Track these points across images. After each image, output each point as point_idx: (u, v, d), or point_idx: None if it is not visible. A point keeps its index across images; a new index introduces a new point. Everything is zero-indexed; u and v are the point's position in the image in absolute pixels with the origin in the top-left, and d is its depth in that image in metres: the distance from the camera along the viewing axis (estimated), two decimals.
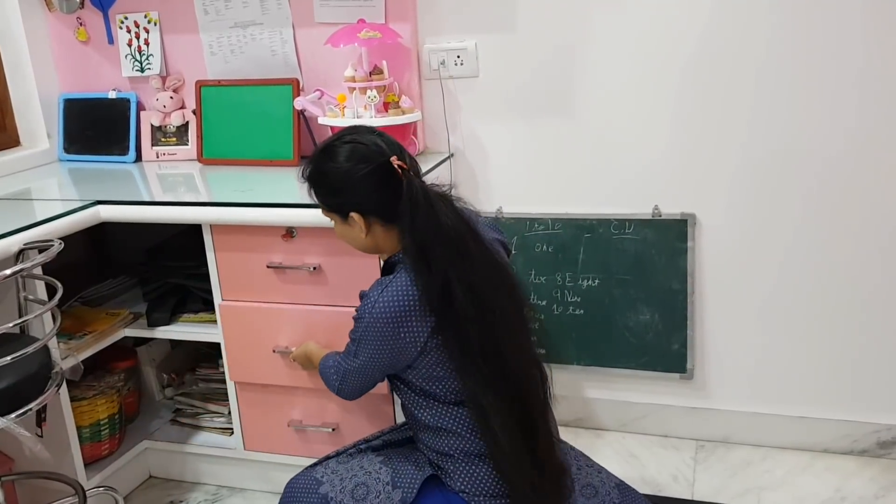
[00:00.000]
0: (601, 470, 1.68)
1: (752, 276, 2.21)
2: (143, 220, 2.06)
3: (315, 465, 1.72)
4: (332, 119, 2.23)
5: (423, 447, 1.62)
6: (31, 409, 1.67)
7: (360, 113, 2.19)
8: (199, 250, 2.08)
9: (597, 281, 2.31)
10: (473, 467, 1.53)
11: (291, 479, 1.69)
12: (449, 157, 2.36)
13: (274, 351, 2.06)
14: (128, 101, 2.58)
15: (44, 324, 1.94)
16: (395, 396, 1.79)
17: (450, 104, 2.33)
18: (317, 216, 1.85)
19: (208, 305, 2.22)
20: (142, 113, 2.58)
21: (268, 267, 2.01)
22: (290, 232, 1.97)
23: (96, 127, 2.62)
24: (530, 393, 1.50)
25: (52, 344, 1.84)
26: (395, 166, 1.49)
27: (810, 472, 2.19)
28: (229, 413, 2.28)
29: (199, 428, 2.38)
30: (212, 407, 2.38)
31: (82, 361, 2.05)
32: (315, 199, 1.60)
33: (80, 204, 2.05)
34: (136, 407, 2.47)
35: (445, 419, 1.55)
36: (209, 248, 2.06)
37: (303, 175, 1.59)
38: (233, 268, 2.05)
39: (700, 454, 2.30)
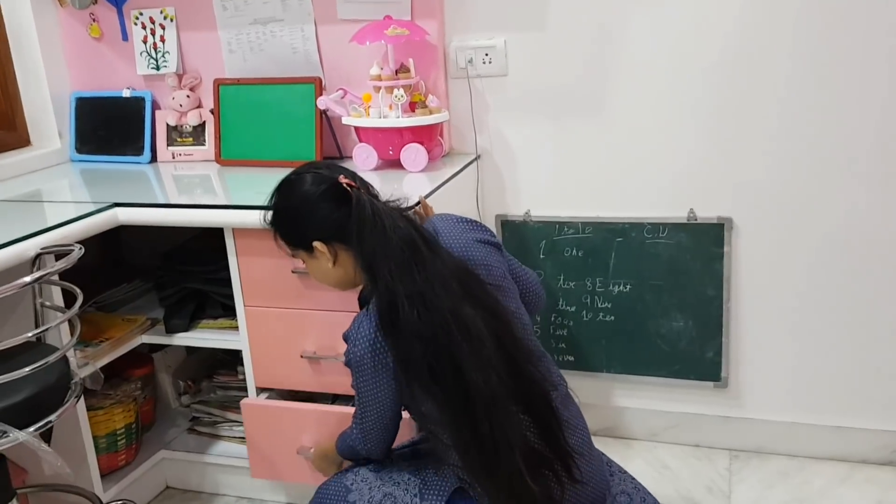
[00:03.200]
0: (635, 480, 1.62)
1: (789, 282, 2.14)
2: (164, 223, 1.99)
3: (347, 471, 1.66)
4: (357, 119, 2.16)
5: (448, 460, 1.54)
6: (50, 422, 1.59)
7: (386, 113, 2.12)
8: (218, 254, 2.01)
9: (628, 286, 2.25)
10: None
11: (322, 485, 1.64)
12: (476, 159, 2.29)
13: (302, 356, 1.99)
14: (142, 99, 2.51)
15: (60, 332, 1.87)
16: None
17: (477, 104, 2.26)
18: None
19: (228, 311, 2.15)
20: (157, 112, 2.51)
21: (292, 272, 1.94)
22: None
23: (110, 126, 2.55)
24: (500, 411, 1.35)
25: (70, 352, 1.77)
26: (344, 185, 1.48)
27: (849, 483, 2.13)
28: None
29: (217, 437, 2.32)
30: (230, 416, 2.32)
31: (99, 370, 2.00)
32: (281, 242, 1.59)
33: (96, 206, 1.98)
34: (152, 415, 2.40)
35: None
36: (231, 252, 1.99)
37: (265, 221, 1.60)
38: (256, 273, 1.98)
39: (734, 465, 2.23)
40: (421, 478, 1.54)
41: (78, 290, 1.72)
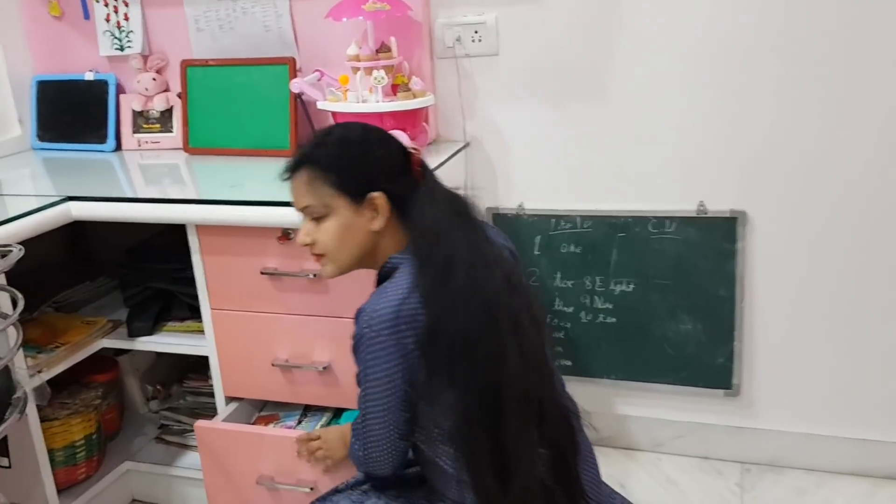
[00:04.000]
0: None
1: (808, 283, 1.96)
2: (120, 218, 1.81)
3: (321, 500, 1.50)
4: (334, 103, 1.97)
5: (445, 493, 1.37)
6: None
7: (365, 96, 1.93)
8: (186, 250, 1.83)
9: (631, 286, 2.07)
10: None
11: None
12: (464, 147, 2.10)
13: (273, 364, 1.82)
14: (106, 83, 2.32)
15: (8, 338, 1.70)
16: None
17: (466, 86, 2.07)
18: None
19: (195, 313, 1.97)
20: (121, 96, 2.33)
21: (262, 273, 1.76)
22: (286, 234, 1.72)
23: (72, 112, 2.36)
24: (528, 419, 1.26)
25: (20, 361, 1.60)
26: (412, 150, 1.37)
27: (874, 501, 1.95)
28: None
29: (186, 447, 2.15)
30: None
31: (55, 376, 1.85)
32: (316, 181, 1.34)
33: (48, 200, 1.80)
34: (117, 423, 2.23)
35: None
36: (195, 250, 1.81)
37: (304, 153, 1.38)
38: (222, 273, 1.81)
39: (746, 479, 2.06)
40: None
41: (19, 295, 1.54)
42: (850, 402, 2.02)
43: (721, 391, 2.07)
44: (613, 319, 2.11)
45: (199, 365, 2.19)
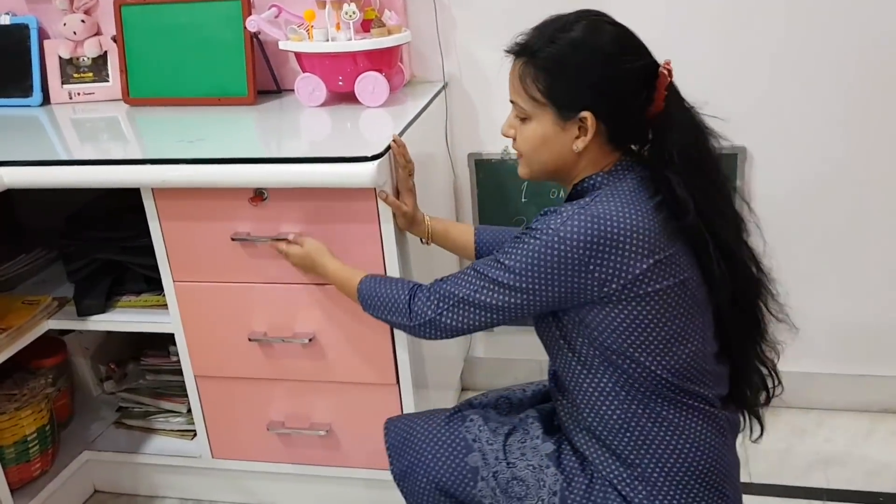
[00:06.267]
0: None
1: (811, 218, 1.88)
2: (64, 185, 1.57)
3: (456, 412, 1.37)
4: (297, 43, 1.76)
5: (599, 463, 1.22)
6: None
7: (334, 34, 1.73)
8: (136, 215, 1.63)
9: None
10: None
11: (425, 421, 1.36)
12: (443, 88, 1.92)
13: (250, 339, 1.64)
14: (26, 27, 2.03)
15: None
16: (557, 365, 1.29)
17: (443, 21, 1.88)
18: (295, 174, 1.43)
19: (153, 284, 1.78)
20: (46, 42, 2.04)
21: (233, 239, 1.57)
22: (259, 194, 1.53)
23: None
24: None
25: None
26: (666, 72, 1.16)
27: (875, 437, 1.92)
28: (189, 411, 1.88)
29: (150, 431, 1.96)
30: (165, 404, 1.97)
31: None
32: (527, 78, 1.17)
33: None
34: (69, 408, 2.02)
35: (650, 417, 1.17)
36: (152, 216, 1.60)
37: (528, 41, 1.19)
38: (185, 241, 1.61)
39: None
40: (564, 474, 1.22)
41: None
42: (846, 339, 1.97)
43: None
44: None
45: (156, 340, 1.99)
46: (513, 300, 1.18)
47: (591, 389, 1.19)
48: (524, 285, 1.16)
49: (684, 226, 1.13)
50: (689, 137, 1.16)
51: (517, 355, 2.17)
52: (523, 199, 1.98)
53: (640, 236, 1.11)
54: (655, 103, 1.16)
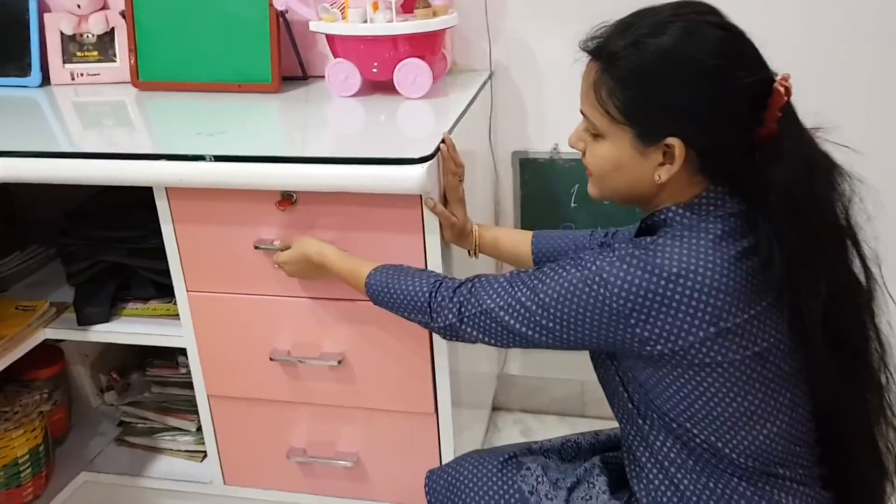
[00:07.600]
0: None
1: None
2: (66, 180, 1.40)
3: (512, 457, 1.19)
4: (331, 24, 1.56)
5: None
6: None
7: (372, 15, 1.53)
8: (145, 212, 1.45)
9: None
10: None
11: (475, 472, 1.17)
12: (489, 78, 1.73)
13: (272, 359, 1.46)
14: None
15: None
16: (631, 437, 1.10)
17: (492, 3, 1.69)
18: (331, 176, 1.24)
19: (162, 290, 1.59)
20: (46, 16, 1.85)
21: (256, 248, 1.38)
22: (288, 197, 1.34)
23: None
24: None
25: None
26: (783, 89, 0.92)
27: None
28: (199, 430, 1.71)
29: (156, 450, 1.79)
30: (172, 421, 1.79)
31: None
32: (602, 89, 0.97)
33: None
34: (65, 424, 1.84)
35: (728, 498, 0.98)
36: (165, 219, 1.42)
37: (607, 41, 0.97)
38: (203, 247, 1.43)
39: None
40: None
41: None
42: None
43: None
44: None
45: (164, 348, 1.80)
46: (536, 335, 1.02)
47: (655, 451, 1.01)
48: (550, 324, 0.99)
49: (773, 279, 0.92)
50: (800, 171, 0.92)
51: (556, 374, 2.00)
52: (573, 204, 1.80)
53: (704, 298, 0.90)
54: (766, 126, 0.93)
